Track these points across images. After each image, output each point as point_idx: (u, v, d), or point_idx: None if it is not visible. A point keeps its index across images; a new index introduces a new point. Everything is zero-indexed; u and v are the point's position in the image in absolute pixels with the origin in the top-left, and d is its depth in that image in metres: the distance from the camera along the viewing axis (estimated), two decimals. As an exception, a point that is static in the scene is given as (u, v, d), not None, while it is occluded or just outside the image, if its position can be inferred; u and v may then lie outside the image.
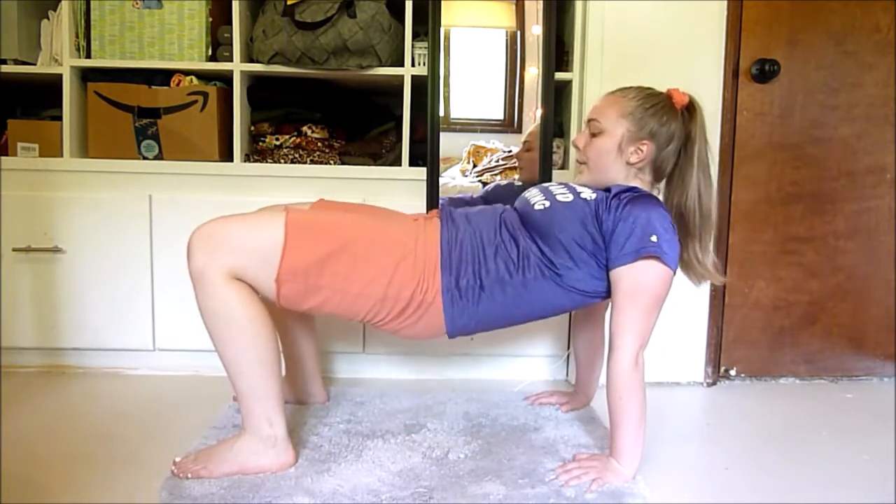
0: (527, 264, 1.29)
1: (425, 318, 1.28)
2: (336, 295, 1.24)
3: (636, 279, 1.24)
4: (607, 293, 1.31)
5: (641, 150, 1.33)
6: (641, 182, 1.37)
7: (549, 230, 1.29)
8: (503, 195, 1.84)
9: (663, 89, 1.39)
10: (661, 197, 1.39)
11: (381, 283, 1.24)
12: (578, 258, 1.28)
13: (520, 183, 1.89)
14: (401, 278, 1.25)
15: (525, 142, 1.91)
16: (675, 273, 1.27)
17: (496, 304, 1.30)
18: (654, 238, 1.22)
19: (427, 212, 1.73)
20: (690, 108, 1.37)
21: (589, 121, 1.38)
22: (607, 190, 1.32)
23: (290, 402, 1.59)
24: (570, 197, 1.32)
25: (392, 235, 1.30)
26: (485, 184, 1.91)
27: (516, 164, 1.91)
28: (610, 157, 1.35)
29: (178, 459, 1.25)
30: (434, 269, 1.27)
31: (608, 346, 1.28)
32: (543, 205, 1.32)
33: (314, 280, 1.23)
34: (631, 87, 1.38)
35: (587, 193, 1.31)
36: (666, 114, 1.34)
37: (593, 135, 1.36)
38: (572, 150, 1.87)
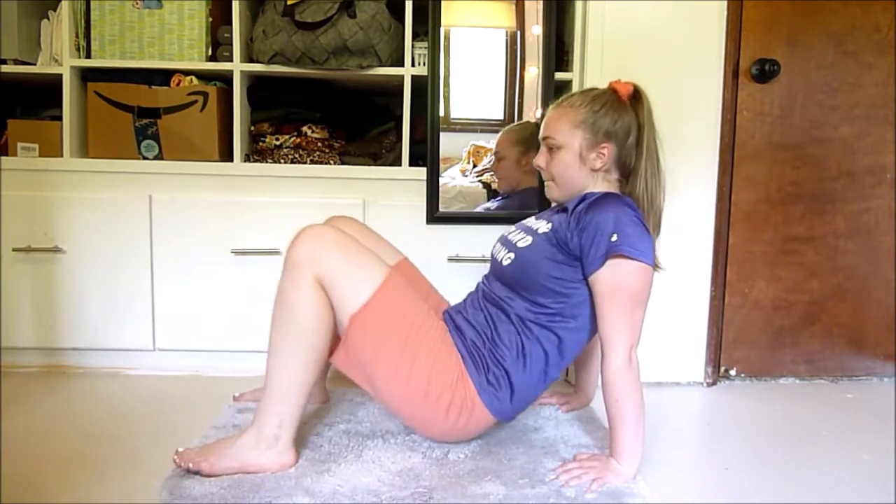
0: (524, 327, 1.32)
1: (474, 419, 1.32)
2: (391, 364, 1.26)
3: (610, 280, 1.24)
4: None
5: (603, 154, 1.34)
6: (608, 182, 1.38)
7: (524, 280, 1.32)
8: (526, 204, 1.86)
9: (608, 86, 1.39)
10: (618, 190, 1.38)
11: (423, 375, 1.27)
12: (564, 290, 1.30)
13: (503, 200, 1.90)
14: (439, 379, 1.28)
15: (495, 153, 1.91)
16: (651, 265, 1.26)
17: (527, 377, 1.32)
18: (614, 237, 1.23)
19: (427, 222, 1.81)
20: (636, 97, 1.37)
21: (544, 138, 1.38)
22: (564, 210, 1.34)
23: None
24: (530, 239, 1.34)
25: (445, 340, 1.33)
26: (485, 184, 1.91)
27: (494, 180, 1.92)
28: (573, 168, 1.35)
29: (180, 450, 1.25)
30: (462, 374, 1.30)
31: (601, 350, 1.28)
32: (509, 258, 1.36)
33: (380, 336, 1.25)
34: (574, 94, 1.38)
35: (543, 227, 1.34)
36: (616, 110, 1.34)
37: (550, 150, 1.37)
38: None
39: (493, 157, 1.93)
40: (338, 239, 1.26)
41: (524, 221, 1.48)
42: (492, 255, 1.46)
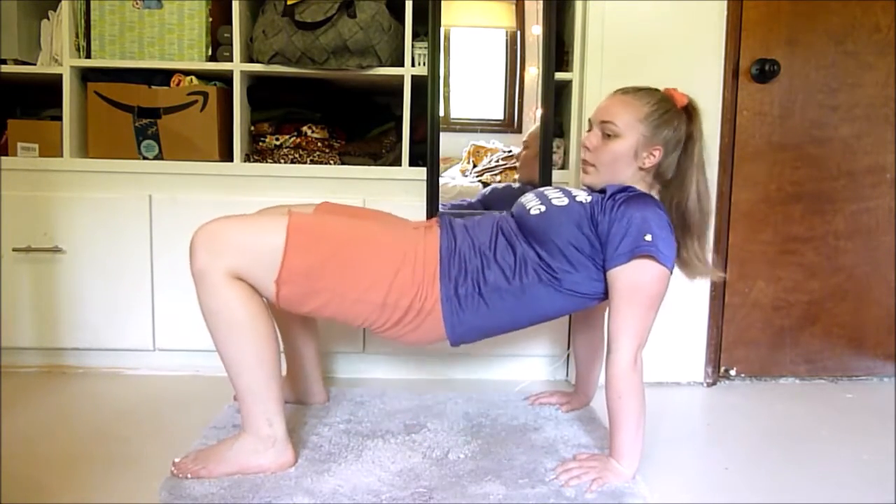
0: (524, 270, 1.30)
1: (425, 326, 1.29)
2: (335, 298, 1.24)
3: (632, 279, 1.24)
4: (606, 294, 1.31)
5: (654, 156, 1.34)
6: (644, 184, 1.37)
7: (545, 235, 1.29)
8: (501, 198, 1.85)
9: (662, 88, 1.39)
10: (658, 196, 1.39)
11: (380, 290, 1.24)
12: (576, 261, 1.28)
13: (517, 185, 1.89)
14: (400, 285, 1.25)
15: (524, 142, 1.92)
16: (671, 272, 1.27)
17: (496, 311, 1.30)
18: (648, 237, 1.22)
19: (427, 218, 1.74)
20: (690, 109, 1.37)
21: (603, 122, 1.35)
22: (602, 191, 1.32)
23: (290, 401, 1.59)
24: (566, 200, 1.32)
25: (393, 242, 1.30)
26: (485, 184, 1.91)
27: (516, 164, 1.91)
28: (624, 161, 1.34)
29: (177, 460, 1.25)
30: (433, 277, 1.27)
31: (606, 347, 1.28)
32: (539, 209, 1.33)
33: (314, 283, 1.23)
34: (641, 90, 1.37)
35: (582, 196, 1.32)
36: (677, 119, 1.34)
37: (606, 135, 1.35)
38: (574, 150, 1.87)
39: (521, 145, 1.93)
40: (224, 224, 1.24)
41: (561, 185, 1.45)
42: (518, 202, 1.42)
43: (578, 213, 1.29)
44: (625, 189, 1.31)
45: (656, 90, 1.37)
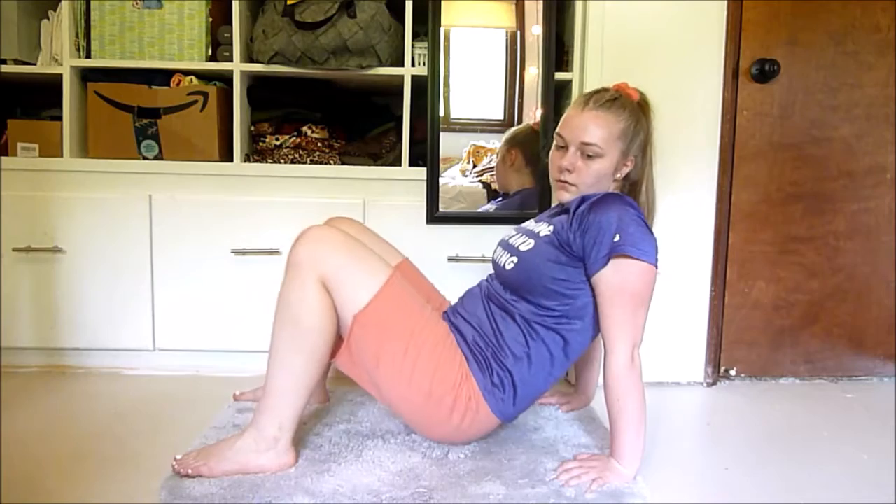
0: (530, 329, 1.31)
1: (479, 421, 1.31)
2: (393, 364, 1.25)
3: (611, 280, 1.24)
4: None
5: (628, 165, 1.35)
6: (615, 189, 1.38)
7: (529, 282, 1.31)
8: (527, 202, 1.86)
9: (617, 85, 1.38)
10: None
11: (426, 378, 1.26)
12: (569, 292, 1.29)
13: (501, 200, 1.90)
14: (441, 380, 1.27)
15: (499, 152, 1.92)
16: (654, 264, 1.25)
17: (531, 378, 1.31)
18: (616, 238, 1.22)
19: (430, 213, 1.74)
20: (643, 104, 1.37)
21: (585, 144, 1.31)
22: (565, 211, 1.33)
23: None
24: (532, 242, 1.33)
25: (447, 342, 1.32)
26: (485, 184, 1.91)
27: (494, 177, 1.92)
28: (607, 178, 1.35)
29: (178, 457, 1.25)
30: (467, 375, 1.29)
31: (604, 350, 1.28)
32: (512, 262, 1.34)
33: (383, 336, 1.25)
34: (612, 101, 1.33)
35: (544, 230, 1.33)
36: (645, 125, 1.35)
37: (586, 156, 1.32)
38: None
39: (494, 155, 1.93)
40: (340, 239, 1.26)
41: (523, 225, 1.47)
42: (493, 260, 1.45)
43: (547, 248, 1.30)
44: (583, 199, 1.31)
45: (622, 97, 1.34)
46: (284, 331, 1.24)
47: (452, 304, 1.50)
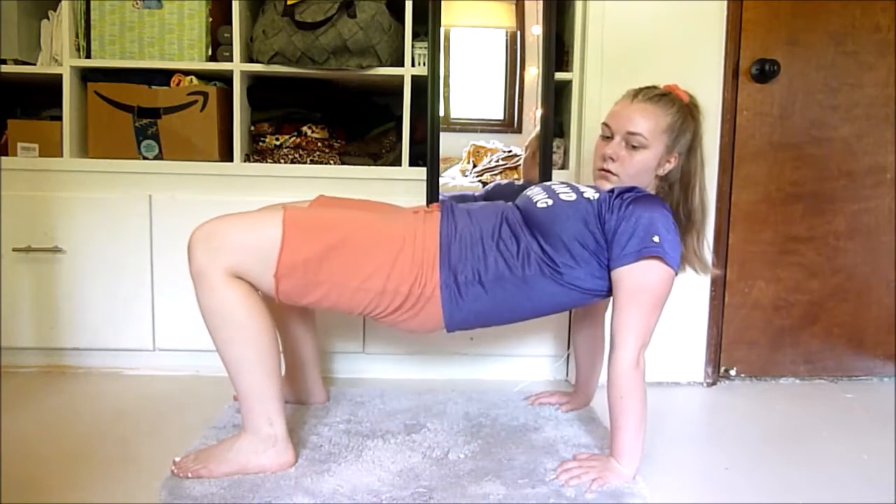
0: (527, 261, 1.29)
1: (423, 313, 1.28)
2: (335, 289, 1.24)
3: (638, 279, 1.24)
4: (608, 292, 1.31)
5: (671, 163, 1.35)
6: (653, 188, 1.38)
7: (551, 228, 1.29)
8: (504, 194, 1.85)
9: (662, 85, 1.39)
10: (663, 197, 1.39)
11: (379, 278, 1.24)
12: (580, 257, 1.28)
13: (520, 182, 1.89)
14: (399, 272, 1.25)
15: (526, 145, 1.92)
16: (676, 273, 1.27)
17: (495, 300, 1.29)
18: (656, 238, 1.22)
19: (428, 205, 1.74)
20: (692, 107, 1.38)
21: (630, 133, 1.32)
22: (610, 190, 1.32)
23: (290, 401, 1.59)
24: (574, 196, 1.31)
25: (391, 229, 1.30)
26: (485, 184, 1.91)
27: (517, 165, 1.92)
28: (649, 172, 1.35)
29: (177, 459, 1.25)
30: (433, 263, 1.27)
31: (609, 346, 1.28)
32: (546, 203, 1.32)
33: (313, 275, 1.23)
34: (661, 96, 1.35)
35: (590, 193, 1.31)
36: (692, 124, 1.35)
37: (631, 146, 1.33)
38: (574, 150, 1.87)
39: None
40: (220, 222, 1.24)
41: (569, 181, 1.45)
42: (524, 195, 1.41)
43: (586, 209, 1.28)
44: (631, 189, 1.31)
45: (672, 94, 1.36)
46: (222, 335, 1.22)
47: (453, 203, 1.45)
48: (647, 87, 1.37)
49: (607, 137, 1.38)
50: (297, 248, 1.21)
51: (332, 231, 1.26)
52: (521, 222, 1.34)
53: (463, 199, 1.83)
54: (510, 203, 1.43)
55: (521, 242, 1.30)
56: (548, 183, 1.44)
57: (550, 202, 1.32)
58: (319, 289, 1.24)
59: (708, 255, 1.41)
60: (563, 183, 1.41)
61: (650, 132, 1.32)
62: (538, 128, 1.89)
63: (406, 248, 1.27)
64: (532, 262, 1.29)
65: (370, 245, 1.26)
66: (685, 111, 1.35)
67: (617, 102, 1.40)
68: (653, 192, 1.36)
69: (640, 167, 1.34)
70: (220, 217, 1.26)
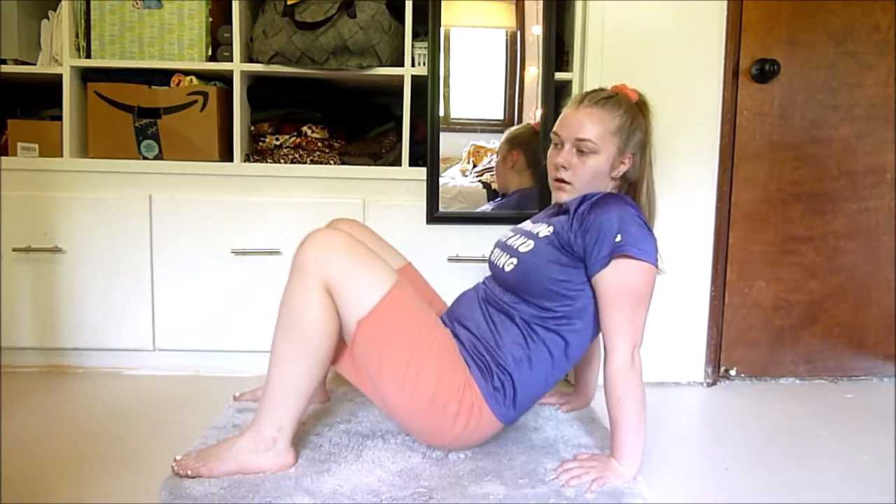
0: (530, 333, 1.30)
1: (482, 426, 1.30)
2: (397, 369, 1.24)
3: (612, 280, 1.24)
4: None
5: (625, 164, 1.35)
6: (614, 189, 1.38)
7: (528, 285, 1.30)
8: (519, 205, 1.86)
9: (615, 86, 1.38)
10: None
11: (430, 385, 1.25)
12: (569, 292, 1.29)
13: (502, 196, 1.90)
14: (446, 388, 1.26)
15: (497, 150, 1.92)
16: (655, 264, 1.26)
17: (532, 380, 1.31)
18: (618, 238, 1.22)
19: (430, 213, 1.74)
20: (641, 105, 1.37)
21: (579, 140, 1.32)
22: (566, 211, 1.32)
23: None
24: (531, 244, 1.32)
25: (450, 348, 1.31)
26: (485, 184, 1.91)
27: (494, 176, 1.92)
28: (603, 176, 1.35)
29: (178, 458, 1.25)
30: (468, 382, 1.28)
31: (603, 350, 1.28)
32: (512, 263, 1.33)
33: (386, 341, 1.24)
34: (607, 98, 1.34)
35: (543, 230, 1.33)
36: (642, 122, 1.35)
37: (581, 152, 1.33)
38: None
39: (494, 155, 1.93)
40: (346, 243, 1.24)
41: (520, 226, 1.47)
42: (490, 262, 1.44)
43: (548, 249, 1.29)
44: (583, 199, 1.31)
45: (618, 95, 1.35)
46: (287, 334, 1.23)
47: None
48: (593, 91, 1.38)
49: (557, 145, 1.37)
50: (387, 313, 1.23)
51: (417, 323, 1.27)
52: (501, 296, 1.35)
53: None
54: (483, 281, 1.45)
55: (515, 316, 1.32)
56: (504, 237, 1.45)
57: (515, 261, 1.33)
58: (385, 363, 1.24)
59: None
60: (516, 233, 1.41)
61: (599, 136, 1.31)
62: (508, 132, 1.90)
63: (461, 370, 1.28)
64: (534, 327, 1.30)
65: (434, 357, 1.26)
66: (633, 111, 1.34)
67: (564, 110, 1.39)
68: (611, 190, 1.36)
69: (593, 173, 1.33)
70: (344, 235, 1.26)
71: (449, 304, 1.52)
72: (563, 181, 1.35)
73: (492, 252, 1.46)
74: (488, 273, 1.46)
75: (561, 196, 1.37)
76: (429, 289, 1.56)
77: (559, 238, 1.29)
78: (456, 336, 1.35)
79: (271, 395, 1.25)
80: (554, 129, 1.38)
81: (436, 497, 1.18)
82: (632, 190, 1.39)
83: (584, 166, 1.33)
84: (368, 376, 1.28)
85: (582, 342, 1.34)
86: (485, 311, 1.37)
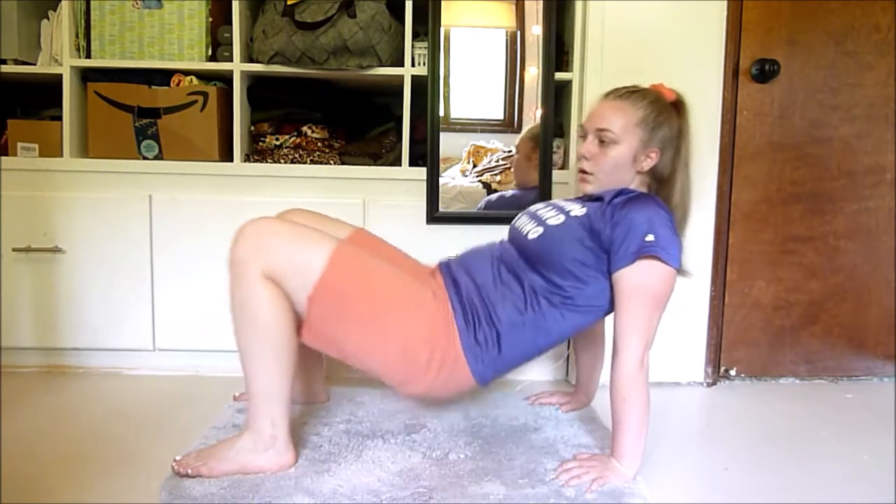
0: (534, 299, 1.30)
1: (453, 378, 1.29)
2: (360, 331, 1.25)
3: (637, 280, 1.24)
4: None
5: (651, 158, 1.34)
6: (643, 186, 1.37)
7: (549, 257, 1.29)
8: (508, 206, 1.86)
9: (649, 84, 1.38)
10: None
11: (400, 336, 1.25)
12: (584, 276, 1.28)
13: (514, 191, 1.90)
14: (419, 337, 1.26)
15: (515, 146, 1.92)
16: (678, 270, 1.26)
17: (516, 347, 1.30)
18: (650, 238, 1.22)
19: (430, 212, 1.74)
20: (678, 104, 1.37)
21: (600, 130, 1.33)
22: (599, 199, 1.32)
23: (291, 401, 1.58)
24: (562, 218, 1.32)
25: (415, 293, 1.30)
26: (485, 184, 1.91)
27: (511, 168, 1.92)
28: (624, 167, 1.34)
29: (178, 457, 1.25)
30: (451, 330, 1.28)
31: (613, 347, 1.28)
32: (537, 232, 1.32)
33: (343, 308, 1.24)
34: (632, 92, 1.36)
35: (576, 210, 1.32)
36: (671, 118, 1.34)
37: (602, 142, 1.34)
38: (574, 150, 1.87)
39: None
40: (275, 228, 1.24)
41: (553, 201, 1.45)
42: (513, 226, 1.42)
43: (577, 228, 1.29)
44: (621, 192, 1.31)
45: (646, 90, 1.37)
46: (245, 333, 1.23)
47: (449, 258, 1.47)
48: (622, 87, 1.38)
49: (583, 138, 1.39)
50: (336, 280, 1.22)
51: (369, 277, 1.27)
52: (516, 259, 1.34)
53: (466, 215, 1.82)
54: (501, 241, 1.44)
55: (524, 281, 1.31)
56: (532, 209, 1.44)
57: (541, 230, 1.32)
58: (344, 325, 1.24)
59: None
60: (547, 205, 1.41)
61: (620, 127, 1.32)
62: (527, 128, 1.89)
63: (425, 318, 1.27)
64: (539, 298, 1.30)
65: (400, 304, 1.27)
66: (660, 105, 1.34)
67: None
68: (644, 190, 1.35)
69: (614, 163, 1.33)
70: (275, 220, 1.27)
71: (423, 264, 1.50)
72: (584, 172, 1.37)
73: (518, 218, 1.44)
74: (505, 239, 1.45)
75: (585, 187, 1.38)
76: (391, 248, 1.51)
77: (591, 221, 1.28)
78: (455, 282, 1.34)
79: (254, 397, 1.25)
80: (581, 122, 1.40)
81: (436, 497, 1.18)
82: (663, 188, 1.37)
83: (605, 157, 1.34)
84: (333, 343, 1.27)
85: (577, 325, 1.33)
86: (495, 268, 1.35)
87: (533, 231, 1.33)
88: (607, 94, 1.37)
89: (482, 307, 1.30)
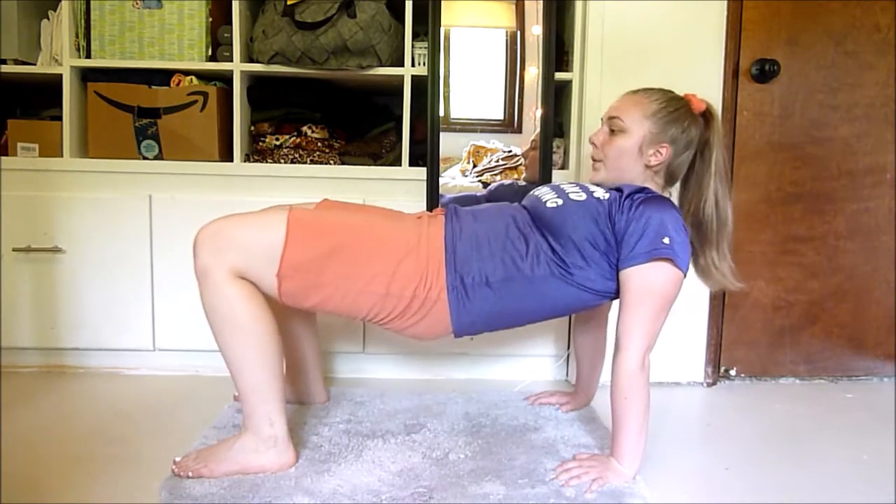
0: (536, 261, 1.28)
1: (430, 317, 1.28)
2: (338, 292, 1.24)
3: (647, 280, 1.23)
4: (616, 293, 1.31)
5: (660, 153, 1.33)
6: (655, 185, 1.37)
7: (561, 228, 1.28)
8: (507, 195, 1.85)
9: (686, 94, 1.39)
10: (676, 201, 1.39)
11: (383, 280, 1.24)
12: (590, 257, 1.28)
13: (523, 183, 1.89)
14: (403, 275, 1.25)
15: (532, 140, 1.92)
16: (685, 275, 1.26)
17: (503, 301, 1.29)
18: (666, 240, 1.22)
19: (430, 210, 1.74)
20: (707, 115, 1.37)
21: (610, 118, 1.36)
22: (619, 190, 1.31)
23: (290, 401, 1.58)
24: (583, 196, 1.31)
25: (395, 233, 1.30)
26: (485, 184, 1.91)
27: (520, 164, 1.92)
28: (630, 157, 1.34)
29: (178, 459, 1.25)
30: (438, 266, 1.27)
31: (615, 346, 1.28)
32: (556, 203, 1.31)
33: (315, 276, 1.23)
34: (654, 89, 1.37)
35: (600, 193, 1.31)
36: (687, 119, 1.34)
37: (612, 132, 1.35)
38: (574, 150, 1.87)
39: (530, 143, 1.93)
40: (225, 222, 1.24)
41: (579, 182, 1.45)
42: (533, 195, 1.41)
43: (596, 209, 1.28)
44: (642, 189, 1.31)
45: (669, 91, 1.37)
46: (224, 335, 1.22)
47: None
48: (653, 87, 1.39)
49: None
50: (300, 249, 1.22)
51: (336, 233, 1.26)
52: (529, 223, 1.33)
53: (466, 200, 1.84)
54: (516, 203, 1.43)
55: (531, 242, 1.30)
56: (557, 183, 1.44)
57: (560, 202, 1.31)
58: (322, 291, 1.24)
59: (728, 271, 1.38)
60: (572, 183, 1.41)
61: (629, 116, 1.33)
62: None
63: (411, 252, 1.27)
64: (542, 261, 1.28)
65: (374, 248, 1.26)
66: (676, 103, 1.34)
67: None
68: (651, 187, 1.35)
69: (619, 152, 1.34)
70: (225, 217, 1.27)
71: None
72: (593, 159, 1.39)
73: (539, 188, 1.43)
74: (522, 202, 1.44)
75: (594, 175, 1.39)
76: (356, 205, 1.51)
77: (611, 206, 1.28)
78: (457, 217, 1.33)
79: (247, 398, 1.25)
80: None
81: (436, 497, 1.18)
82: (692, 196, 1.37)
83: (610, 144, 1.36)
84: (313, 304, 1.27)
85: (567, 305, 1.33)
86: (505, 223, 1.33)
87: (552, 201, 1.32)
88: (631, 91, 1.39)
89: (479, 254, 1.28)
